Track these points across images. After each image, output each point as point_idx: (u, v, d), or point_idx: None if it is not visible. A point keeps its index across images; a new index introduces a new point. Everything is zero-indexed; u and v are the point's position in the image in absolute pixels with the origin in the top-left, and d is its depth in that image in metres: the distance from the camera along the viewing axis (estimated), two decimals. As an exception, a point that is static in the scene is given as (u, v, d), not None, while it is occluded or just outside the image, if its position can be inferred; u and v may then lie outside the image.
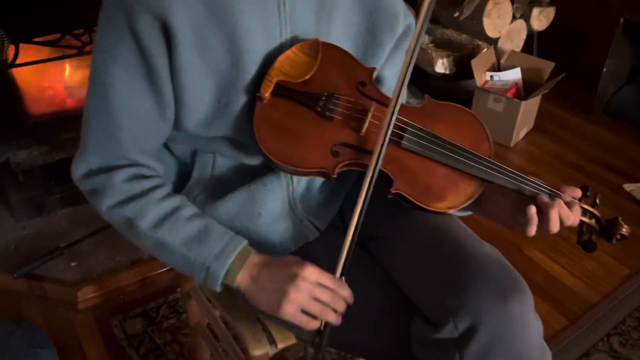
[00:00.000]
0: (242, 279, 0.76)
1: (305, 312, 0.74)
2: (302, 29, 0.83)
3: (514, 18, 2.53)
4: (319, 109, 0.80)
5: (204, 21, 0.75)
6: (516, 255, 1.80)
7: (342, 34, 0.88)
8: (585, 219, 0.85)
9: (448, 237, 0.80)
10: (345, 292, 0.75)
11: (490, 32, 2.45)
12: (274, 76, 0.80)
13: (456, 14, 2.40)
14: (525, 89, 2.37)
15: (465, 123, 0.85)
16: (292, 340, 0.93)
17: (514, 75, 2.34)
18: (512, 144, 2.33)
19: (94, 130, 0.77)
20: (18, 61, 1.47)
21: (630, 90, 2.58)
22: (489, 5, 2.38)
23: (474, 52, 2.44)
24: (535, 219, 0.73)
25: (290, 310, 0.73)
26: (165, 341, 1.46)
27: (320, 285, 0.74)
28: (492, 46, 2.45)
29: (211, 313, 1.04)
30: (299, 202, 0.90)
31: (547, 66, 2.36)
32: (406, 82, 0.78)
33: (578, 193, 0.82)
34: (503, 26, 2.49)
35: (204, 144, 0.89)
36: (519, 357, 0.70)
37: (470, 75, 2.36)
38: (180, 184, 0.94)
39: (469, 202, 0.81)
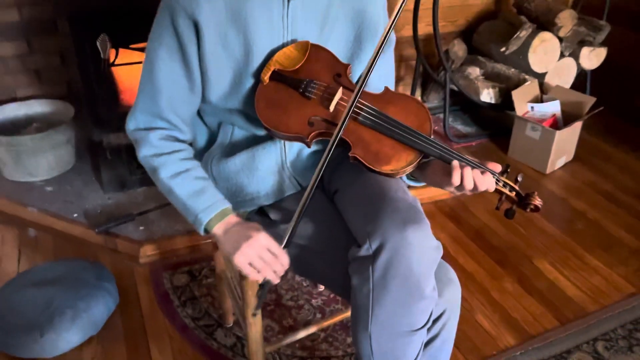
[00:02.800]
0: (217, 229, 1.07)
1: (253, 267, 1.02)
2: (302, 34, 1.13)
3: (562, 56, 2.68)
4: (301, 90, 1.09)
5: (225, 22, 1.06)
6: (525, 264, 1.94)
7: (336, 40, 1.16)
8: (506, 191, 1.06)
9: (382, 187, 1.04)
10: (284, 260, 1.03)
11: (536, 67, 2.62)
12: (272, 65, 1.10)
13: (503, 49, 2.60)
14: (565, 121, 2.50)
15: (413, 108, 1.09)
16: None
17: (552, 107, 2.48)
18: (548, 171, 2.46)
19: (142, 94, 1.10)
20: (117, 62, 1.90)
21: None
22: (536, 42, 2.56)
23: (519, 84, 2.61)
24: (458, 169, 0.96)
25: (240, 259, 1.02)
26: (201, 294, 1.77)
27: (268, 250, 1.02)
28: (537, 80, 2.62)
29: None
30: (288, 164, 1.18)
31: (588, 100, 2.48)
32: (368, 78, 1.05)
33: (497, 168, 1.04)
34: (550, 62, 2.64)
35: (225, 116, 1.21)
36: (409, 271, 0.92)
37: (516, 106, 2.53)
38: (207, 146, 1.26)
39: (409, 167, 1.05)
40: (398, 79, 3.03)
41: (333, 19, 1.14)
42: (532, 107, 2.52)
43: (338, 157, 1.20)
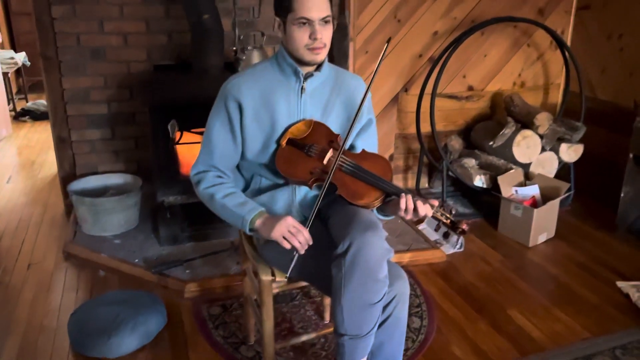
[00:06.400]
0: (258, 223, 1.55)
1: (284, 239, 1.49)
2: (310, 115, 1.69)
3: (544, 150, 3.19)
4: (306, 151, 1.63)
5: (259, 105, 1.63)
6: (499, 312, 2.33)
7: (334, 119, 1.71)
8: (442, 218, 1.53)
9: (355, 211, 1.53)
10: (307, 234, 1.49)
11: (521, 158, 3.12)
12: (288, 134, 1.66)
13: (490, 143, 3.13)
14: (545, 203, 2.95)
15: (381, 163, 1.62)
16: (284, 277, 1.68)
17: (532, 190, 2.95)
18: (531, 244, 2.88)
19: (202, 151, 1.67)
20: (181, 141, 2.52)
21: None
22: (518, 138, 3.09)
23: (506, 172, 3.10)
24: (404, 197, 1.46)
25: (276, 234, 1.49)
26: (231, 320, 2.23)
27: (294, 226, 1.50)
28: (522, 169, 3.11)
29: (249, 271, 1.83)
30: (296, 202, 1.70)
31: (563, 186, 2.94)
32: (347, 144, 1.59)
33: (435, 202, 1.53)
34: (532, 155, 3.15)
35: (256, 169, 1.75)
36: (367, 262, 1.39)
37: (502, 189, 3.02)
38: (243, 191, 1.79)
39: (376, 201, 1.55)
40: (407, 168, 3.57)
41: (331, 105, 1.70)
42: (516, 190, 3.00)
43: (331, 198, 1.72)
